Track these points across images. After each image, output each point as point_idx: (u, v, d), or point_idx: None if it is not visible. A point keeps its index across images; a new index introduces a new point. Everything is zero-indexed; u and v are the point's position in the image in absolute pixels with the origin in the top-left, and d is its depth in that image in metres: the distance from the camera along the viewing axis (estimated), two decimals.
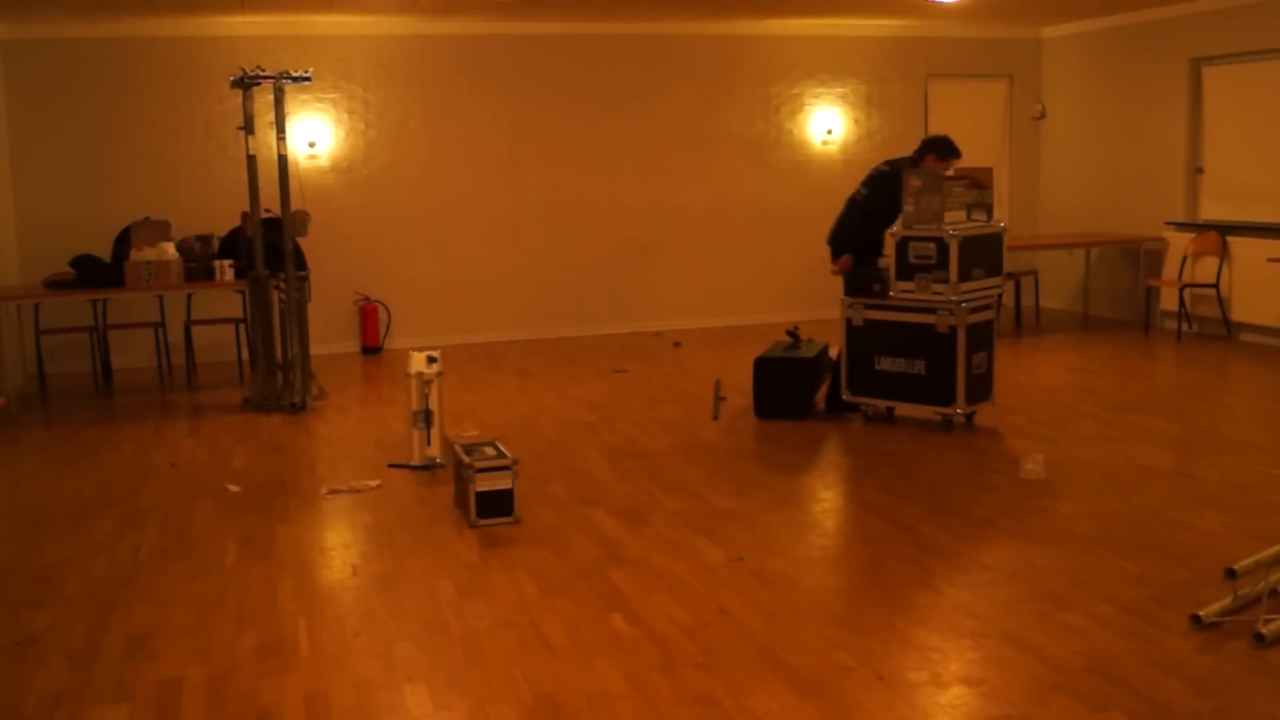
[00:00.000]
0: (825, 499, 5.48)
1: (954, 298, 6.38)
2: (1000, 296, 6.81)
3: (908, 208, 6.56)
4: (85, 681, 3.62)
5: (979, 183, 6.67)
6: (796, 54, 10.89)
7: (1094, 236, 10.50)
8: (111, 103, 9.26)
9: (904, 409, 6.80)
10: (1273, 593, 3.89)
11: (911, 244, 6.51)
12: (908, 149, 11.11)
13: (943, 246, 6.38)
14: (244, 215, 8.09)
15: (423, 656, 3.74)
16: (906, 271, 6.54)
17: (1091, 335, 9.83)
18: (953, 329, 6.40)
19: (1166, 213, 10.09)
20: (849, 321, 6.78)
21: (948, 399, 6.49)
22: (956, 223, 6.50)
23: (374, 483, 5.80)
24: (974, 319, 6.48)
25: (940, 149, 6.74)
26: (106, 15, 8.83)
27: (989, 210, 6.72)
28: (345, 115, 9.79)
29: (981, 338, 6.58)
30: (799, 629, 3.87)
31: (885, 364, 6.67)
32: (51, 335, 8.73)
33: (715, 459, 6.13)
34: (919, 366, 6.54)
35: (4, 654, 3.85)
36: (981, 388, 6.63)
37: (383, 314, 10.00)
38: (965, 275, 6.41)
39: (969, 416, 6.60)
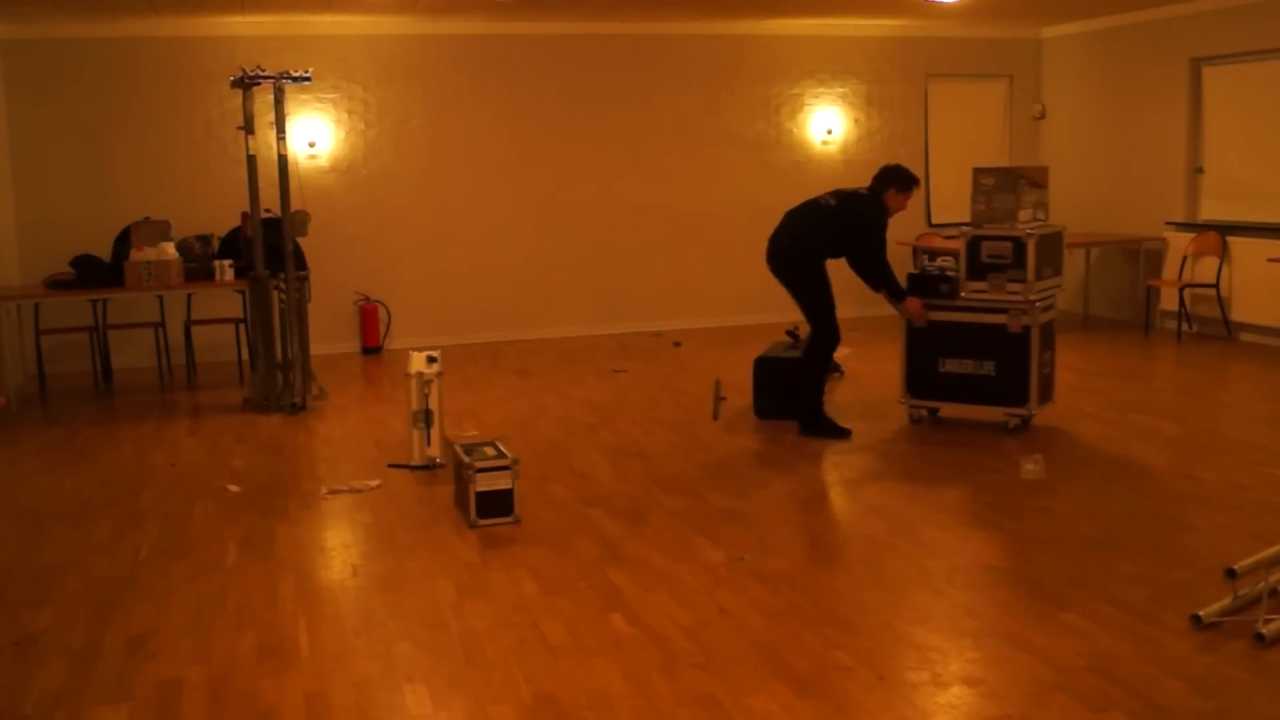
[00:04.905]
0: (825, 499, 5.48)
1: (1031, 297, 6.27)
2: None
3: (978, 206, 6.42)
4: (85, 681, 3.62)
5: (1036, 182, 6.55)
6: (796, 54, 10.89)
7: (1094, 236, 10.49)
8: (111, 103, 9.26)
9: (954, 410, 6.70)
10: (1273, 593, 3.89)
11: (984, 243, 6.36)
12: (908, 149, 11.27)
13: (1019, 246, 6.27)
14: (244, 215, 8.09)
15: (423, 656, 3.74)
16: (978, 271, 6.39)
17: (1091, 335, 9.83)
18: (1026, 328, 6.30)
19: (1166, 213, 10.09)
20: (909, 324, 6.63)
21: (1020, 399, 6.38)
22: (1026, 222, 6.39)
23: (374, 483, 5.80)
24: (1044, 318, 6.41)
25: (901, 180, 6.49)
26: (106, 15, 8.82)
27: (1046, 209, 6.64)
28: (345, 115, 9.80)
29: (1049, 337, 6.52)
30: (799, 629, 3.87)
31: (950, 365, 6.53)
32: (51, 335, 8.73)
33: (715, 459, 6.13)
34: (988, 367, 6.43)
35: (4, 654, 3.85)
36: (1047, 387, 6.55)
37: (383, 314, 10.00)
38: (1038, 274, 6.31)
39: (1026, 419, 6.49)
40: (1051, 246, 6.54)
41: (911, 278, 6.65)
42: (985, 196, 6.42)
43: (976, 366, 6.46)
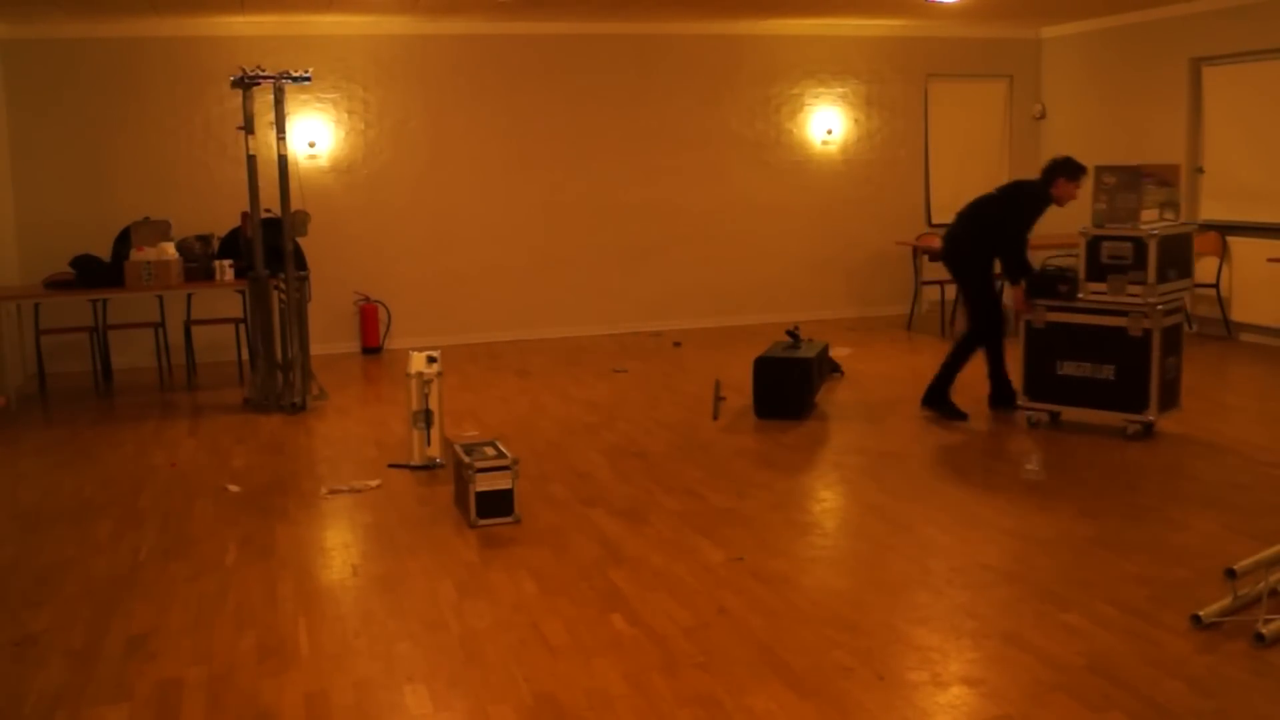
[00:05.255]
0: (825, 499, 5.48)
1: (1152, 300, 6.09)
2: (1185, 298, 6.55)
3: (1099, 205, 6.26)
4: (85, 681, 3.62)
5: (1166, 180, 6.37)
6: (796, 54, 10.89)
7: None
8: (111, 103, 9.26)
9: (1075, 414, 6.51)
10: (1273, 593, 3.88)
11: (1105, 243, 6.19)
12: (908, 149, 11.28)
13: (1140, 246, 6.07)
14: (244, 215, 8.09)
15: (423, 656, 3.74)
16: (1098, 272, 6.22)
17: None
18: (1147, 332, 6.11)
19: None
20: (1029, 324, 6.49)
21: (1140, 405, 6.19)
22: (1151, 222, 6.21)
23: (374, 483, 5.80)
24: (1167, 321, 6.21)
25: (1070, 170, 6.57)
26: (106, 15, 8.83)
27: (1177, 209, 6.45)
28: (345, 115, 9.79)
29: (1173, 341, 6.32)
30: (799, 629, 3.87)
31: (1068, 368, 6.35)
32: (51, 335, 8.73)
33: (715, 459, 6.13)
34: (1107, 371, 6.25)
35: (4, 654, 3.85)
36: (1171, 393, 6.34)
37: (383, 314, 10.00)
38: (1162, 276, 6.11)
39: (1148, 425, 6.30)
40: (1178, 247, 6.29)
41: (1030, 277, 6.53)
42: (1107, 195, 6.23)
43: (1095, 370, 6.27)
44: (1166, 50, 10.01)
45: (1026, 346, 6.54)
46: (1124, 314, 6.19)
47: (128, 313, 9.07)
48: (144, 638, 3.95)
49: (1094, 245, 6.26)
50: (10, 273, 8.89)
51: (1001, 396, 6.94)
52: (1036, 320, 6.45)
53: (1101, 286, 6.24)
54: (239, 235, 8.45)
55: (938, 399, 6.92)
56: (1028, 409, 6.60)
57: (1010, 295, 6.60)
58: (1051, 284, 6.42)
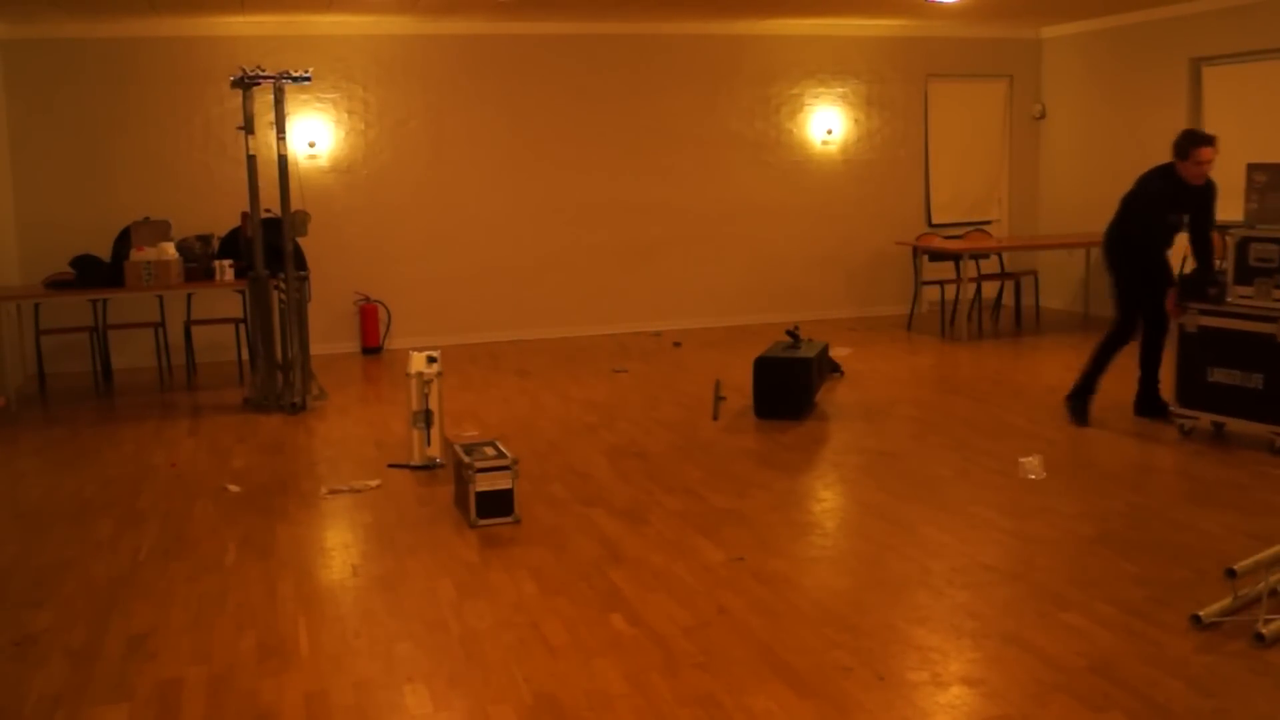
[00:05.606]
0: (825, 499, 5.48)
1: None
2: None
3: (1250, 205, 5.98)
4: (85, 681, 3.62)
5: None
6: (796, 54, 10.89)
7: (1094, 237, 10.39)
8: (111, 103, 9.26)
9: (1235, 424, 6.19)
10: (1273, 593, 3.88)
11: (1252, 245, 5.90)
12: (908, 149, 11.28)
13: None
14: (244, 215, 8.09)
15: (423, 656, 3.74)
16: (1246, 275, 5.93)
17: (1091, 335, 9.78)
18: None
19: None
20: (1181, 328, 6.24)
21: None
22: None
23: (374, 483, 5.80)
24: None
25: (1177, 146, 6.29)
26: (106, 15, 8.83)
27: None
28: (345, 115, 9.79)
29: None
30: (799, 629, 3.87)
31: (1218, 375, 6.07)
32: (51, 335, 8.73)
33: (715, 459, 6.13)
34: (1255, 380, 5.91)
35: (4, 654, 3.85)
36: None
37: (383, 314, 10.00)
38: None
39: None
40: None
41: (1181, 279, 6.34)
42: (1258, 194, 5.91)
43: (1244, 378, 5.95)
44: (1166, 50, 10.01)
45: (1179, 351, 6.29)
46: (1272, 320, 5.84)
47: (128, 313, 9.07)
48: (144, 638, 3.95)
49: (1242, 247, 5.96)
50: (10, 273, 8.89)
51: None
52: (1188, 324, 6.22)
53: (1249, 290, 5.93)
54: (239, 235, 8.46)
55: (1075, 404, 6.76)
56: (1180, 416, 6.34)
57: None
58: (1200, 286, 6.19)
